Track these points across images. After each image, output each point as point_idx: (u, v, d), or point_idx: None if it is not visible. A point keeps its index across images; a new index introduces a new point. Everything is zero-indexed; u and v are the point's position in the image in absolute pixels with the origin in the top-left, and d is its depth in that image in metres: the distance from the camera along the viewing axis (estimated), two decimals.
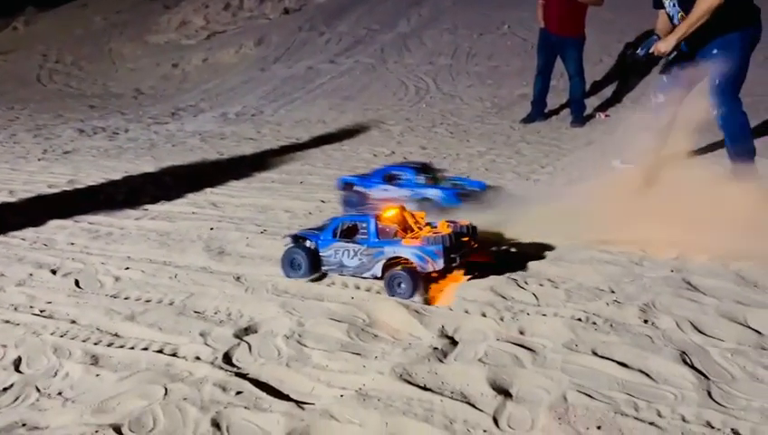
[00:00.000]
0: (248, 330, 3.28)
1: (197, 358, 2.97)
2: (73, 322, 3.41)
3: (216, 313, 3.52)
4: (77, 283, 4.01)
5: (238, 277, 4.04)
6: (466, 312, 3.33)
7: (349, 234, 3.68)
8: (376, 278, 3.65)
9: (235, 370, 2.87)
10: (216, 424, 2.47)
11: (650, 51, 5.13)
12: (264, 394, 2.66)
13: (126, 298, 3.75)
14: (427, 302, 3.47)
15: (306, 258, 3.77)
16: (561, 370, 2.77)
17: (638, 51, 5.24)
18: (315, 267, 3.80)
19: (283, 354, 3.01)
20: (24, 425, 2.45)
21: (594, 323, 3.19)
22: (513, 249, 4.20)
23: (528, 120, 9.59)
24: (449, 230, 3.52)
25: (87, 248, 4.72)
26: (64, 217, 5.40)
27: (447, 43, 13.79)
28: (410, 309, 3.35)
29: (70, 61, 16.44)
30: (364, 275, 3.69)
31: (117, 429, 2.43)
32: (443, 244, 3.36)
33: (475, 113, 10.55)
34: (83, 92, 14.66)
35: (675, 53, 5.11)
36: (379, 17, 15.36)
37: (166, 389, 2.69)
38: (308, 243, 3.81)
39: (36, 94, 14.74)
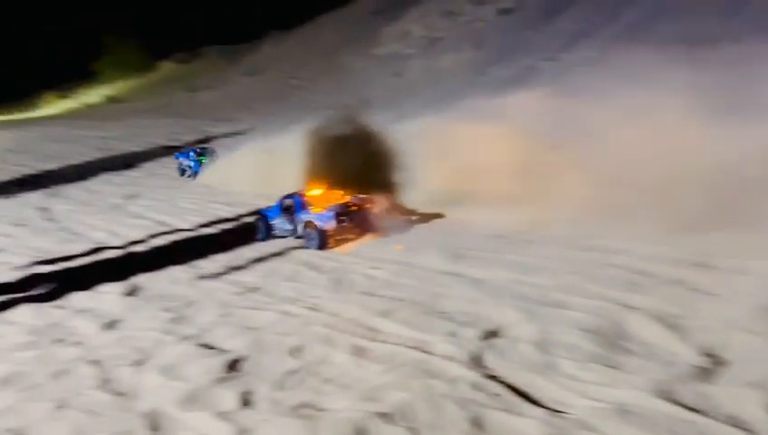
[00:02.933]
0: (494, 333, 3.37)
1: (450, 357, 3.13)
2: (336, 315, 3.81)
3: (459, 314, 3.67)
4: (335, 280, 4.46)
5: (477, 280, 4.16)
6: (733, 328, 3.06)
7: (289, 208, 5.36)
8: (299, 238, 5.25)
9: (486, 371, 2.97)
10: (474, 423, 2.59)
11: None
12: (517, 399, 2.72)
13: (378, 296, 4.08)
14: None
15: (263, 226, 5.57)
16: None
17: None
18: (269, 232, 5.52)
19: (533, 361, 3.04)
20: (309, 406, 2.81)
21: None
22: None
23: None
24: (344, 201, 5.24)
25: (337, 248, 5.22)
26: None
27: (680, 32, 12.61)
28: (667, 323, 3.18)
29: (308, 77, 18.24)
30: (296, 236, 5.29)
31: (387, 416, 2.67)
32: (335, 211, 5.11)
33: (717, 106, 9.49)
34: (319, 105, 16.12)
35: None
36: (602, 9, 14.56)
37: (425, 384, 2.88)
38: (263, 214, 5.59)
39: (280, 109, 16.55)
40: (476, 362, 3.09)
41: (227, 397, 2.91)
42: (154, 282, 4.65)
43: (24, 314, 4.13)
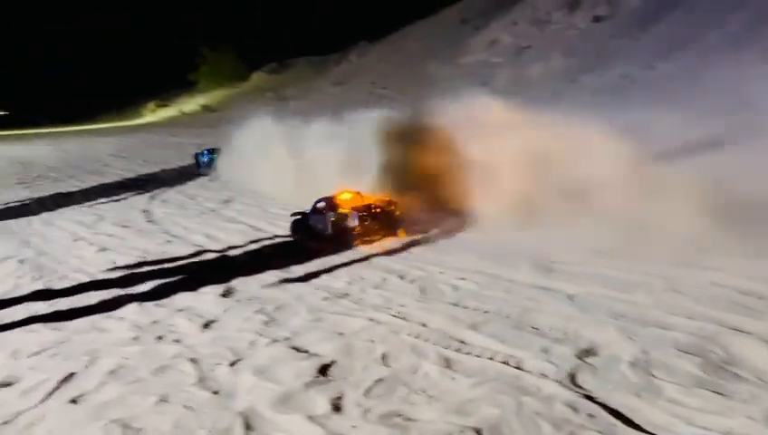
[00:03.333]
0: (589, 352, 3.26)
1: (543, 374, 3.05)
2: (424, 325, 3.80)
3: (552, 330, 3.57)
4: (422, 289, 4.46)
5: (570, 296, 4.04)
6: None
7: (321, 210, 5.88)
8: (328, 234, 5.74)
9: (582, 391, 2.87)
10: None
11: None
12: (617, 421, 2.61)
13: (465, 307, 4.04)
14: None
15: (301, 226, 6.01)
16: None
17: None
18: (305, 230, 5.94)
19: (632, 382, 2.91)
20: (399, 415, 2.81)
21: None
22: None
23: None
24: (368, 203, 5.79)
25: (424, 258, 5.22)
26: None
27: None
28: None
29: (394, 87, 18.43)
30: (326, 233, 5.75)
31: (477, 432, 2.63)
32: (358, 212, 5.67)
33: None
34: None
35: None
36: (703, 15, 13.88)
37: (517, 400, 2.82)
38: (301, 216, 6.03)
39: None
40: (571, 380, 2.98)
41: (318, 401, 2.96)
42: (247, 284, 4.81)
43: (129, 310, 4.37)
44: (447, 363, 3.27)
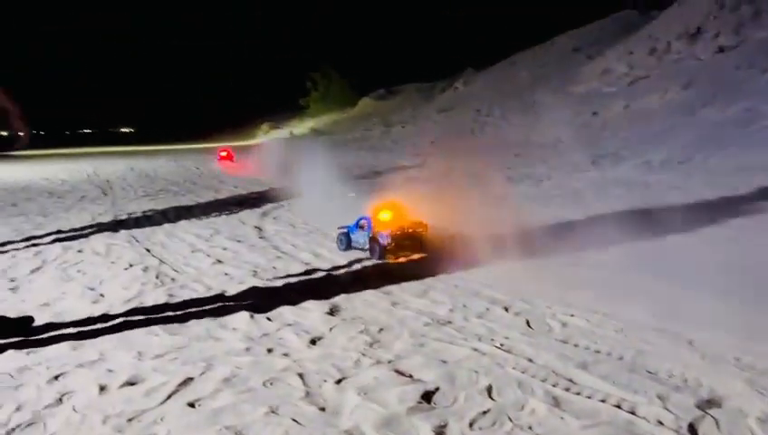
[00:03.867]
0: (711, 402, 3.05)
1: (660, 422, 2.88)
2: (530, 360, 3.70)
3: (670, 376, 3.37)
4: (528, 323, 4.36)
5: (690, 341, 3.81)
6: None
7: (363, 226, 6.64)
8: (366, 249, 6.59)
9: None
10: None
11: None
12: None
13: (575, 345, 3.90)
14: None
15: (346, 239, 6.84)
16: None
17: None
18: (349, 244, 6.80)
19: None
20: None
21: None
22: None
23: None
24: (401, 224, 6.43)
25: (530, 290, 5.10)
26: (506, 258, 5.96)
27: None
28: None
29: (499, 114, 18.30)
30: (365, 248, 6.60)
31: None
32: (390, 232, 6.35)
33: None
34: (509, 142, 16.06)
35: None
36: None
37: None
38: (346, 230, 6.84)
39: (469, 145, 16.78)
40: (691, 431, 2.80)
41: (422, 428, 2.94)
42: (352, 304, 4.90)
43: (242, 322, 4.57)
44: (556, 402, 3.16)
